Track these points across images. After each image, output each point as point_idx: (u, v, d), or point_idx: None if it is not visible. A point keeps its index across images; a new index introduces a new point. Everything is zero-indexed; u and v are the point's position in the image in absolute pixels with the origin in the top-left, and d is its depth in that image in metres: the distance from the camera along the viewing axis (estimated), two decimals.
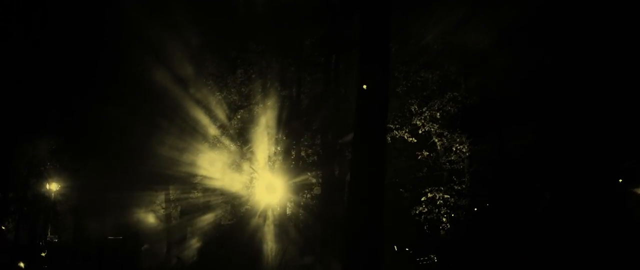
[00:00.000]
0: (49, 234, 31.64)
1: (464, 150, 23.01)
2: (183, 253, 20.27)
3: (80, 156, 23.14)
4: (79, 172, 23.32)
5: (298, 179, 22.24)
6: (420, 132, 23.95)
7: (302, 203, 23.08)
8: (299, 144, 23.14)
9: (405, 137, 23.91)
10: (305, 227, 22.20)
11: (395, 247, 23.28)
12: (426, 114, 23.38)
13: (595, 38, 16.71)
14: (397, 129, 24.03)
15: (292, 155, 23.32)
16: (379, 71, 10.59)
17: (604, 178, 17.88)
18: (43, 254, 27.50)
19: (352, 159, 11.21)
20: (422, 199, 23.24)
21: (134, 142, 21.56)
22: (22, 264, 24.81)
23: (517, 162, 18.89)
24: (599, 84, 16.85)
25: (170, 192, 25.25)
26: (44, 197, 28.00)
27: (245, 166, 22.74)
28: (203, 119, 23.20)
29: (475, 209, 22.53)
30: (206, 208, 23.89)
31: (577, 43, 16.75)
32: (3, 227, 26.75)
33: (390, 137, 24.36)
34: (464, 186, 22.62)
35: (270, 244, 16.16)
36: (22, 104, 21.96)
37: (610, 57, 16.89)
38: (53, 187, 28.62)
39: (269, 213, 21.34)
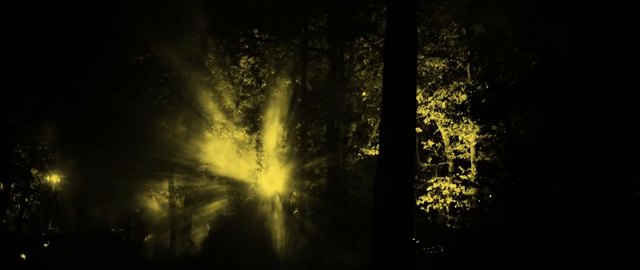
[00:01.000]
0: (49, 225, 31.41)
1: (471, 139, 22.89)
2: (194, 238, 20.00)
3: (83, 144, 22.81)
4: (81, 160, 23.00)
5: (303, 168, 22.05)
6: (425, 122, 23.80)
7: (309, 191, 22.93)
8: (305, 133, 22.97)
9: None
10: (312, 216, 22.04)
11: None
12: (432, 104, 23.23)
13: (611, 27, 16.43)
14: None
15: (298, 144, 23.15)
16: (406, 48, 10.32)
17: (612, 168, 17.61)
18: (45, 245, 27.27)
19: (380, 140, 10.90)
20: (428, 189, 23.12)
21: (137, 128, 21.29)
22: (23, 256, 24.56)
23: (525, 152, 18.65)
24: (611, 72, 16.58)
25: (174, 180, 24.95)
26: (46, 187, 27.76)
27: (251, 154, 22.53)
28: (208, 106, 22.99)
29: (479, 200, 22.38)
30: (211, 197, 23.62)
31: (592, 30, 16.47)
32: (4, 220, 26.44)
33: None
34: (469, 176, 22.48)
35: (279, 233, 15.90)
36: (23, 92, 21.68)
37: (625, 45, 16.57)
38: (54, 178, 28.37)
39: (277, 200, 21.15)
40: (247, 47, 23.27)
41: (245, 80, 24.86)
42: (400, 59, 10.36)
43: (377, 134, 24.89)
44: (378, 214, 10.25)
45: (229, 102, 23.48)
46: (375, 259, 10.18)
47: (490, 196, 21.76)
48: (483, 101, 18.47)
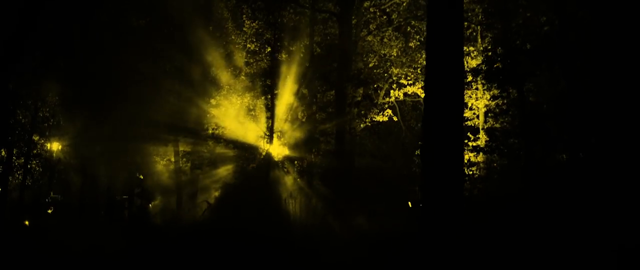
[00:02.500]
0: (51, 193, 31.22)
1: (480, 105, 22.66)
2: (210, 198, 19.80)
3: (86, 107, 22.38)
4: (85, 124, 22.58)
5: (312, 132, 21.82)
6: None
7: (318, 155, 22.75)
8: (315, 97, 22.68)
9: (418, 93, 23.51)
10: (322, 181, 21.91)
11: (410, 203, 23.12)
12: None
13: None
14: (409, 85, 23.63)
15: (306, 108, 22.89)
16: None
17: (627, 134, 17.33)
18: (49, 211, 27.14)
19: (425, 86, 10.14)
20: None
21: (142, 90, 20.84)
22: (27, 222, 24.45)
23: (538, 117, 18.41)
24: (629, 34, 16.18)
25: (180, 145, 24.59)
26: (48, 153, 27.49)
27: (259, 118, 22.25)
28: (214, 69, 22.52)
29: (487, 168, 22.27)
30: (218, 162, 23.39)
31: None
32: (7, 187, 26.19)
33: (402, 93, 23.98)
34: (479, 142, 22.29)
35: (292, 197, 15.65)
36: (24, 55, 21.14)
37: None
38: (55, 145, 28.01)
39: (287, 165, 20.96)
40: (251, 9, 22.70)
41: (248, 45, 24.44)
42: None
43: (385, 100, 24.76)
44: (427, 173, 9.63)
45: (235, 65, 23.02)
46: (424, 222, 9.60)
47: (495, 164, 21.68)
48: (497, 66, 18.17)
